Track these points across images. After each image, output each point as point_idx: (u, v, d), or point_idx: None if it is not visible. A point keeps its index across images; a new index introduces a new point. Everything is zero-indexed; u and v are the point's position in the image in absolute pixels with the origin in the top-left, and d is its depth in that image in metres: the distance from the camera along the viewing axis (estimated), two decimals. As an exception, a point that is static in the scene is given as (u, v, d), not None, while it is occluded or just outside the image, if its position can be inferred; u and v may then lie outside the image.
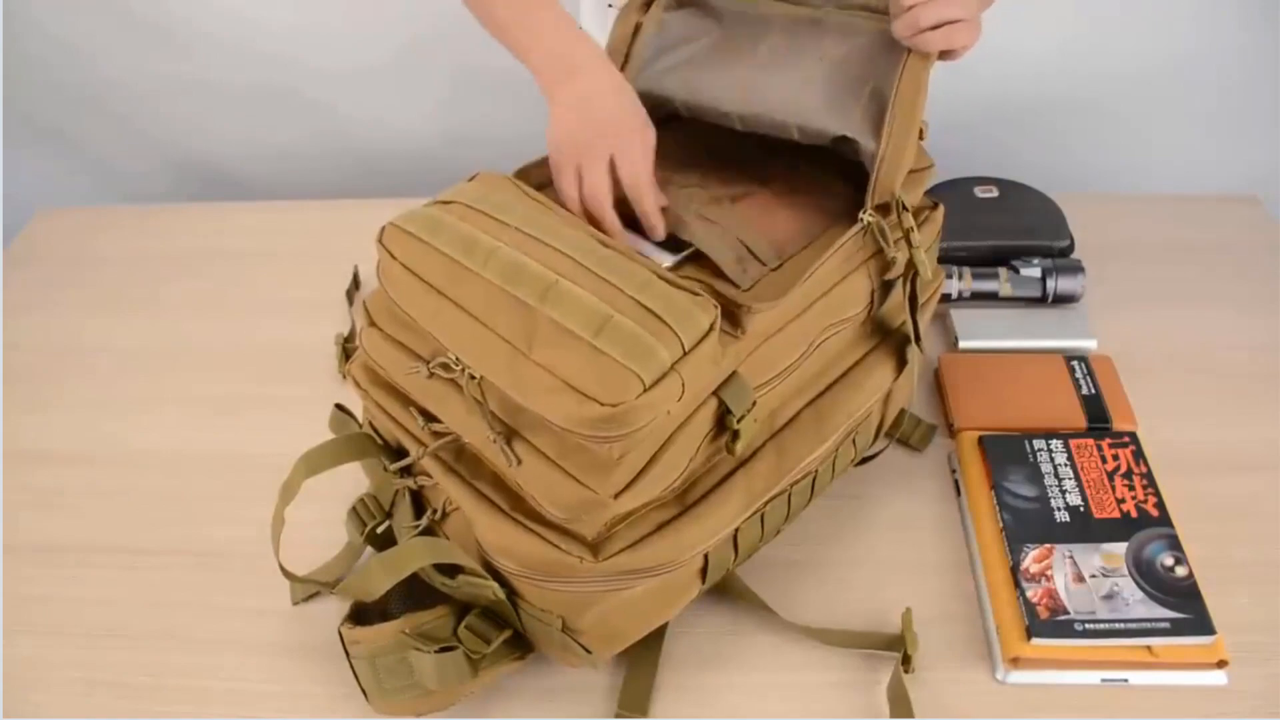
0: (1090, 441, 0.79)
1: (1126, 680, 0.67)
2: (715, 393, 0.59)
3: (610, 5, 0.98)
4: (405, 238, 0.62)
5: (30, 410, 0.92)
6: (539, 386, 0.54)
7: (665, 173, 0.70)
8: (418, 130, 1.55)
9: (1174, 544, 0.71)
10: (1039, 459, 0.78)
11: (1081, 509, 0.74)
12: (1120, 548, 0.71)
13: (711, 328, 0.56)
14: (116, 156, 1.61)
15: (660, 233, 0.66)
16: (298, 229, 1.11)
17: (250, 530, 0.77)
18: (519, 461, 0.58)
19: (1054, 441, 0.79)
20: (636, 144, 0.66)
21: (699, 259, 0.65)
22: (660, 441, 0.57)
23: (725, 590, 0.72)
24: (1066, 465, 0.77)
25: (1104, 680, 0.67)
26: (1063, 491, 0.76)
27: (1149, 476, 0.76)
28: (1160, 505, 0.74)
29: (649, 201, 0.65)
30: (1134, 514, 0.74)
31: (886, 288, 0.70)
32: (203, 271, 1.06)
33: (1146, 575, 0.69)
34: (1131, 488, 0.76)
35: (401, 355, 0.64)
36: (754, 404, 0.60)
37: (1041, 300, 0.95)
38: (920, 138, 0.71)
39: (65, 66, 1.47)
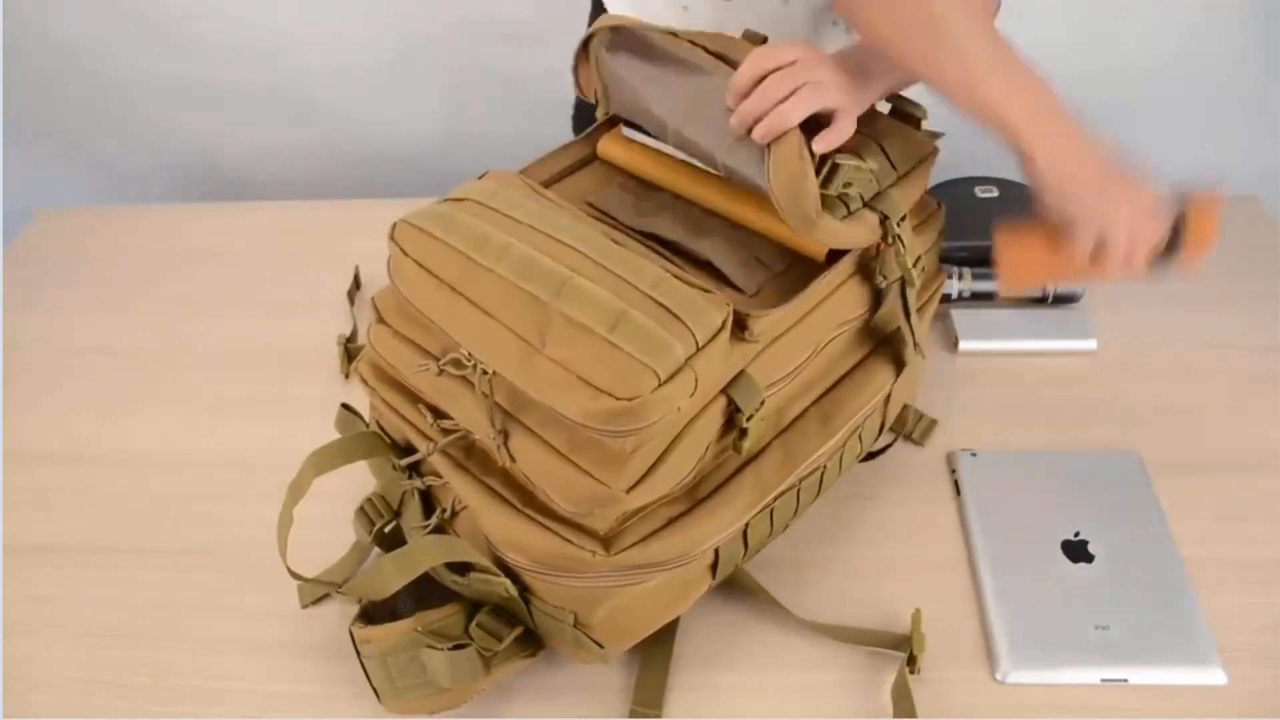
0: None
1: (1126, 680, 0.67)
2: (724, 391, 0.59)
3: (686, 9, 0.89)
4: (417, 234, 0.62)
5: (30, 410, 0.92)
6: (552, 381, 0.54)
7: (637, 194, 0.70)
8: (418, 130, 1.55)
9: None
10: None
11: None
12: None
13: (724, 325, 0.56)
14: (116, 156, 1.61)
15: None
16: (298, 229, 1.11)
17: (251, 530, 0.77)
18: (513, 460, 0.58)
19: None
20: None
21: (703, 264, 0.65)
22: (671, 437, 0.57)
23: (734, 586, 0.72)
24: None
25: (1103, 680, 0.67)
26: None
27: None
28: None
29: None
30: None
31: (883, 292, 0.70)
32: (202, 271, 1.06)
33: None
34: None
35: (411, 352, 0.64)
36: (762, 403, 0.60)
37: (1041, 300, 0.95)
38: (917, 126, 0.71)
39: (65, 66, 1.47)
